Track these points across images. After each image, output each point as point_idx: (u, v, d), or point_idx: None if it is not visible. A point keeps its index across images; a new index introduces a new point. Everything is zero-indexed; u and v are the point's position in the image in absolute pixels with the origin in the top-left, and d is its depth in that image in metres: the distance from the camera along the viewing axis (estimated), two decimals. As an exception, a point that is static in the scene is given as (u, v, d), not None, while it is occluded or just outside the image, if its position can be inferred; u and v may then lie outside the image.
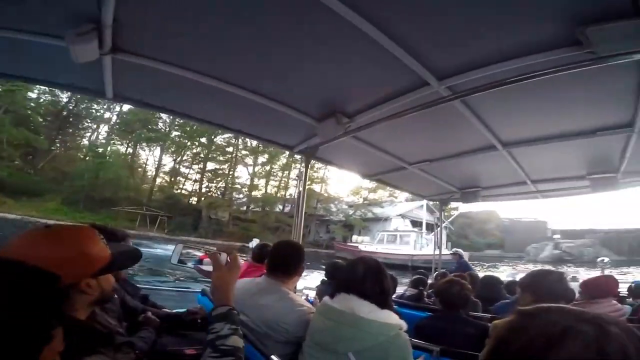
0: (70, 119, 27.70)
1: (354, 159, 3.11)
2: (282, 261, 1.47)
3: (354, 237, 25.70)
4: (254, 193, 31.55)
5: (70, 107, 26.98)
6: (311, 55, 1.56)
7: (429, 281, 3.76)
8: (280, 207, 31.76)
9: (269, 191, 32.20)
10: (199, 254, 1.42)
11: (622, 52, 1.20)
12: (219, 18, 1.36)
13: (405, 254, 18.58)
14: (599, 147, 2.31)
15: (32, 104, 24.21)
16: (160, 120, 28.55)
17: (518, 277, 4.30)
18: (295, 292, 1.97)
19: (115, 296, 1.17)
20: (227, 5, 1.29)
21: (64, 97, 25.66)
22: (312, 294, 2.38)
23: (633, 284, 3.69)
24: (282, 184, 33.07)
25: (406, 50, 1.40)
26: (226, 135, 29.48)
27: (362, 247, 21.58)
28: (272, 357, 1.09)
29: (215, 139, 30.28)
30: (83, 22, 1.33)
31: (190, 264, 1.38)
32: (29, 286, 0.51)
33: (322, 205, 31.33)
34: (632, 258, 25.29)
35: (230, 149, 31.50)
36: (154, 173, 30.02)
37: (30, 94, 23.41)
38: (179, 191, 29.56)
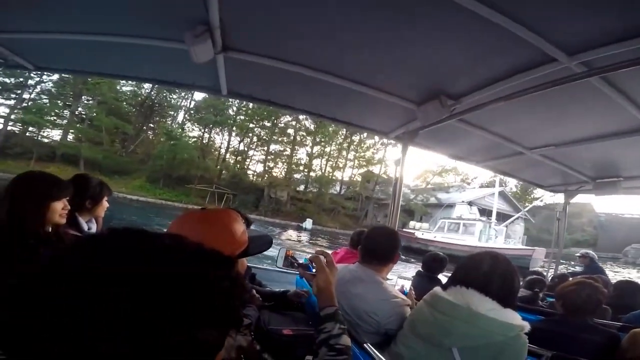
0: (154, 108, 33.19)
1: (459, 143, 3.07)
2: (377, 248, 1.50)
3: (411, 223, 25.31)
4: (311, 174, 33.90)
5: (152, 97, 32.26)
6: (409, 36, 1.59)
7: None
8: (337, 188, 33.67)
9: (324, 172, 34.14)
10: (300, 260, 1.60)
11: None
12: (315, 9, 1.49)
13: (468, 245, 17.55)
14: None
15: (119, 95, 29.50)
16: (229, 106, 31.86)
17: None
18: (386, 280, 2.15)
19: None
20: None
21: (145, 88, 30.78)
22: (407, 284, 2.51)
23: None
24: (339, 164, 34.69)
25: (524, 24, 1.34)
26: (288, 118, 32.24)
27: (418, 234, 21.30)
28: (366, 344, 1.16)
29: (277, 122, 32.88)
30: (196, 24, 1.60)
31: (295, 269, 1.58)
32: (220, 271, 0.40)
33: (380, 188, 32.29)
34: None
35: (290, 131, 34.10)
36: (223, 154, 34.06)
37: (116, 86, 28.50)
38: (243, 171, 33.14)
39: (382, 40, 1.67)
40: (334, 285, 0.98)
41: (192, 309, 0.34)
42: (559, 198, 4.30)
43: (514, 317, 1.10)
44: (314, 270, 1.03)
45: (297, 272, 1.52)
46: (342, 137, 33.75)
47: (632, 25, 1.28)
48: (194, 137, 33.07)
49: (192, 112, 33.52)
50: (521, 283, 3.07)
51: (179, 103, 34.01)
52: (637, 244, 28.94)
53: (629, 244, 28.93)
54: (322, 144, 34.27)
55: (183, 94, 31.46)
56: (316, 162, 34.76)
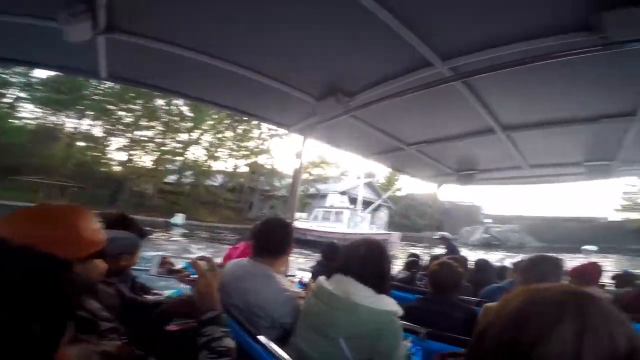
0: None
1: (352, 139, 3.41)
2: (269, 241, 1.57)
3: (297, 214, 27.64)
4: (186, 163, 31.90)
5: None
6: (312, 33, 1.71)
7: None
8: (219, 180, 32.99)
9: (201, 161, 32.78)
10: (180, 265, 1.56)
11: (636, 39, 1.40)
12: None
13: (338, 232, 20.15)
14: (598, 134, 2.75)
15: None
16: (85, 85, 26.57)
17: (507, 263, 4.98)
18: (286, 274, 2.22)
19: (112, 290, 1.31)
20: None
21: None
22: (306, 277, 2.67)
23: (623, 272, 4.26)
24: (219, 155, 33.78)
25: (411, 29, 1.57)
26: (161, 102, 29.13)
27: (296, 224, 22.94)
28: (260, 337, 1.23)
29: (148, 105, 28.95)
30: (76, 2, 1.48)
31: (173, 275, 1.49)
32: (44, 273, 0.48)
33: (265, 179, 33.61)
34: (552, 245, 30.56)
35: (164, 116, 30.65)
36: (72, 140, 28.21)
37: None
38: (96, 159, 28.39)
39: (285, 34, 1.73)
40: (215, 290, 1.05)
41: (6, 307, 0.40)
42: (418, 188, 5.28)
43: (388, 303, 1.24)
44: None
45: (175, 278, 1.43)
46: (225, 126, 32.79)
47: (490, 35, 1.61)
48: (30, 119, 26.49)
49: (28, 89, 26.65)
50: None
51: (9, 79, 26.37)
52: (469, 226, 39.73)
53: (463, 226, 39.03)
54: (199, 131, 32.36)
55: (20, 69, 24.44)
56: (193, 151, 32.70)
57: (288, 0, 1.49)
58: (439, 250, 7.15)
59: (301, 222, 23.77)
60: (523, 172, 3.87)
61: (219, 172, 33.52)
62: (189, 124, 31.19)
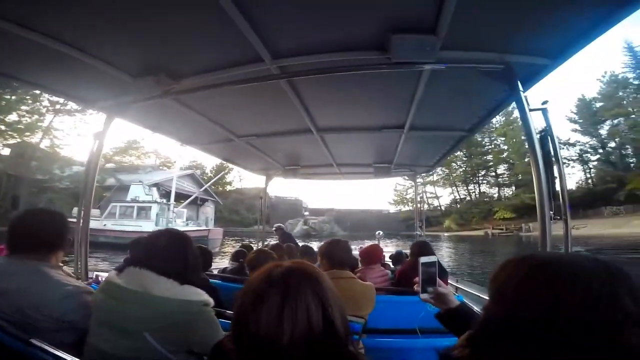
0: None
1: (176, 124, 3.18)
2: (39, 234, 1.38)
3: (75, 210, 22.68)
4: None
5: None
6: (140, 5, 1.55)
7: None
8: None
9: None
10: None
11: (412, 61, 1.81)
12: None
13: (142, 231, 17.87)
14: (382, 142, 3.65)
15: None
16: None
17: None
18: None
19: None
20: None
21: None
22: (104, 276, 2.35)
23: (395, 252, 5.17)
24: None
25: (249, 22, 1.64)
26: None
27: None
28: (32, 340, 1.12)
29: None
30: None
31: None
32: None
33: (39, 165, 25.66)
34: (353, 233, 39.79)
35: None
36: None
37: None
38: None
39: (107, 2, 1.49)
40: None
41: None
42: (246, 183, 5.60)
43: (192, 293, 1.22)
44: None
45: None
46: None
47: (313, 43, 1.84)
48: None
49: None
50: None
51: None
52: (292, 219, 45.10)
53: (288, 219, 43.65)
54: None
55: None
56: None
57: None
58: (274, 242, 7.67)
59: (92, 220, 19.57)
60: (332, 169, 4.71)
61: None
62: None
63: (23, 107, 24.86)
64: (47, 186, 24.87)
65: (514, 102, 1.94)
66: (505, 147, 55.82)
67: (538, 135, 1.78)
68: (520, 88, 1.88)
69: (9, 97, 23.85)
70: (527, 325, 0.50)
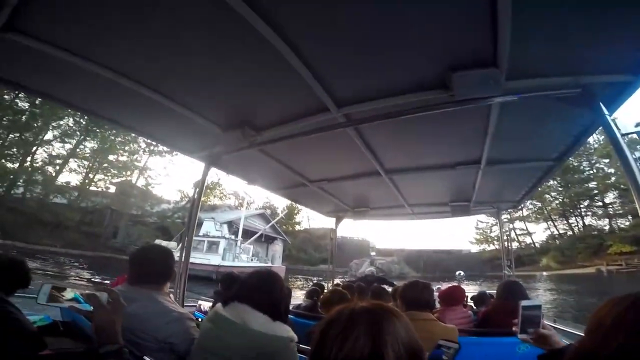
0: None
1: (258, 171, 3.57)
2: (152, 269, 1.61)
3: (157, 241, 24.90)
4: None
5: None
6: (224, 64, 1.84)
7: None
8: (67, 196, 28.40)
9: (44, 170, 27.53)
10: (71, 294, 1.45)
11: (477, 97, 1.83)
12: (128, 8, 1.49)
13: (210, 264, 20.16)
14: (457, 180, 3.56)
15: None
16: None
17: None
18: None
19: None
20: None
21: None
22: (206, 305, 2.76)
23: (478, 293, 4.82)
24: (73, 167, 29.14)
25: (313, 74, 1.84)
26: None
27: None
28: (145, 357, 1.27)
29: None
30: None
31: (64, 304, 1.37)
32: None
33: (136, 201, 30.31)
34: (426, 275, 37.15)
35: None
36: None
37: None
38: None
39: (198, 62, 1.81)
40: (118, 323, 1.08)
41: None
42: (314, 223, 5.81)
43: (282, 330, 1.38)
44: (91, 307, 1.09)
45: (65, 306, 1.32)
46: (82, 129, 28.17)
47: (376, 89, 1.96)
48: None
49: None
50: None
51: None
52: (357, 259, 43.83)
53: (354, 259, 43.03)
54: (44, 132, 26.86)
55: None
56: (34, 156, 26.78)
57: (205, 32, 1.58)
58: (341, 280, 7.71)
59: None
60: (404, 210, 4.66)
61: (71, 187, 28.70)
62: (30, 120, 25.30)
63: (126, 148, 29.99)
64: (139, 220, 29.17)
65: (602, 127, 1.78)
66: (612, 171, 47.96)
67: (637, 162, 1.59)
68: (605, 111, 1.73)
69: (113, 138, 29.11)
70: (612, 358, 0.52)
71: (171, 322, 1.49)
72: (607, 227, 47.12)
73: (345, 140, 2.60)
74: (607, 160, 47.83)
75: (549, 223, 51.91)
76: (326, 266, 6.07)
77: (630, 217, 44.21)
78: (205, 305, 2.75)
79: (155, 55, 1.79)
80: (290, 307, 3.72)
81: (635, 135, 1.67)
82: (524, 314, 1.13)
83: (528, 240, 53.10)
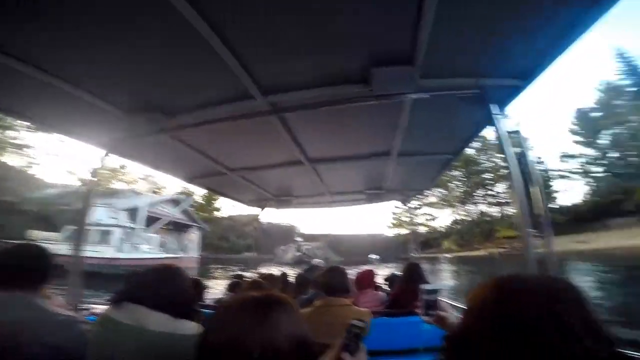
0: None
1: (168, 159, 3.36)
2: (21, 269, 1.43)
3: (36, 234, 21.32)
4: None
5: None
6: (134, 44, 1.69)
7: None
8: None
9: None
10: None
11: (393, 93, 1.99)
12: None
13: (100, 257, 18.02)
14: (372, 169, 3.84)
15: None
16: None
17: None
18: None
19: None
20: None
21: None
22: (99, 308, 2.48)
23: (390, 275, 5.28)
24: None
25: (238, 59, 1.79)
26: None
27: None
28: None
29: None
30: None
31: None
32: None
33: (12, 185, 26.07)
34: (348, 258, 39.10)
35: None
36: None
37: None
38: None
39: (102, 41, 1.63)
40: None
41: None
42: (238, 210, 5.74)
43: (187, 327, 1.29)
44: None
45: None
46: None
47: (300, 78, 1.99)
48: None
49: None
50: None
51: None
52: (283, 246, 44.71)
53: (280, 245, 43.73)
54: None
55: None
56: None
57: (111, 7, 1.43)
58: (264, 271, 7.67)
59: (48, 243, 19.01)
60: (326, 198, 4.87)
61: None
62: None
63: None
64: (16, 209, 24.76)
65: (493, 125, 2.09)
66: (504, 164, 56.44)
67: (515, 156, 1.96)
68: (496, 111, 2.06)
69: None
70: (479, 338, 0.58)
71: (61, 326, 1.34)
72: (497, 214, 55.88)
73: (269, 129, 2.60)
74: (503, 156, 56.47)
75: (452, 209, 59.59)
76: (251, 254, 6.02)
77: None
78: (97, 308, 2.48)
79: (46, 33, 1.58)
80: (210, 301, 3.64)
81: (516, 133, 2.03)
82: (424, 297, 1.27)
83: (434, 224, 60.40)
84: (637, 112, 44.85)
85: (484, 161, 58.56)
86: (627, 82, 47.97)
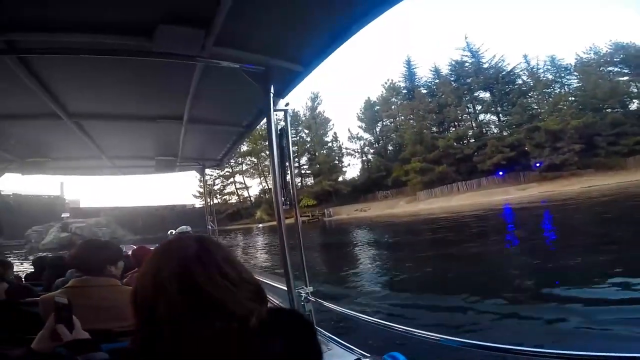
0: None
1: None
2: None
3: None
4: None
5: None
6: None
7: None
8: None
9: None
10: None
11: (181, 54, 1.89)
12: None
13: None
14: (162, 134, 3.60)
15: None
16: None
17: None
18: None
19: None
20: None
21: None
22: None
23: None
24: None
25: None
26: None
27: None
28: None
29: None
30: None
31: None
32: None
33: None
34: (147, 236, 35.85)
35: None
36: None
37: None
38: None
39: None
40: None
41: None
42: None
43: None
44: None
45: None
46: None
47: (54, 19, 1.65)
48: None
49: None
50: None
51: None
52: (39, 226, 34.44)
53: (39, 224, 33.64)
54: None
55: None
56: None
57: None
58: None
59: None
60: (103, 163, 4.23)
61: None
62: None
63: None
64: None
65: (272, 104, 2.31)
66: (309, 139, 65.31)
67: (278, 133, 2.27)
68: (275, 90, 2.29)
69: None
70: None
71: None
72: (300, 184, 64.23)
73: (4, 72, 2.04)
74: (307, 131, 65.29)
75: (261, 179, 64.08)
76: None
77: (314, 177, 62.76)
78: None
79: None
80: None
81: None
82: None
83: (246, 194, 63.52)
84: (403, 110, 61.14)
85: (294, 135, 65.57)
86: (404, 84, 65.28)
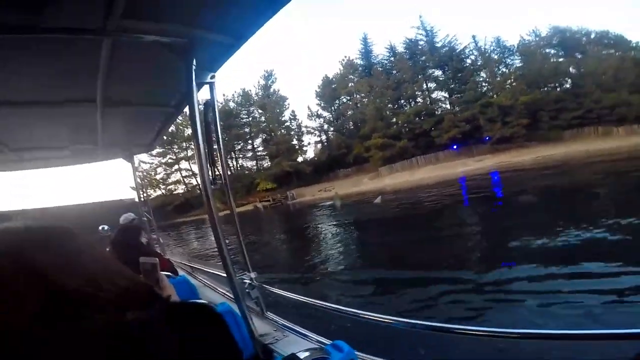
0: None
1: None
2: None
3: None
4: None
5: None
6: None
7: None
8: None
9: None
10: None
11: (71, 28, 1.69)
12: None
13: None
14: (75, 120, 3.28)
15: None
16: None
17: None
18: None
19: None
20: None
21: None
22: None
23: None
24: None
25: None
26: None
27: None
28: None
29: None
30: None
31: None
32: None
33: None
34: None
35: None
36: None
37: None
38: None
39: None
40: None
41: None
42: None
43: None
44: None
45: None
46: None
47: None
48: None
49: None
50: None
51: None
52: None
53: None
54: None
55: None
56: None
57: None
58: None
59: None
60: (6, 157, 3.80)
61: None
62: None
63: None
64: None
65: (192, 75, 2.16)
66: (263, 119, 64.10)
67: (202, 107, 2.19)
68: (194, 62, 2.12)
69: None
70: None
71: None
72: (254, 168, 63.47)
73: None
74: (261, 111, 64.12)
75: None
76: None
77: (271, 158, 62.20)
78: None
79: None
80: None
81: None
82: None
83: (194, 182, 61.12)
84: (361, 87, 62.17)
85: (245, 116, 64.02)
86: (361, 62, 66.28)
